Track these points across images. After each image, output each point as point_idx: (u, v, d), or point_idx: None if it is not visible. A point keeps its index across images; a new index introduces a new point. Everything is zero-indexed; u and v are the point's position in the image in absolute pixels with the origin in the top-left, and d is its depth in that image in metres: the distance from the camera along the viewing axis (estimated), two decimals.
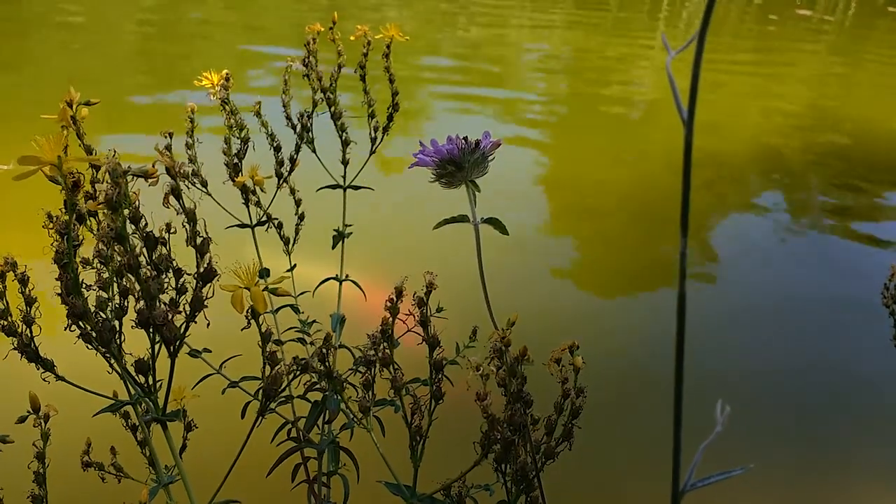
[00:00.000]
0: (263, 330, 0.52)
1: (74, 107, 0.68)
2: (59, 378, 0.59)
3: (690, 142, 0.27)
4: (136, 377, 0.49)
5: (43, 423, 0.65)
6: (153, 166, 0.42)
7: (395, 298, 0.52)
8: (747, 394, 1.75)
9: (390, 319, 0.53)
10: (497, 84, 4.60)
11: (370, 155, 0.91)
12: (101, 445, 0.80)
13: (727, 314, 2.12)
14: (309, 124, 0.87)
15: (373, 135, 0.90)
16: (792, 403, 1.73)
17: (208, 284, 0.45)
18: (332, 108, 0.88)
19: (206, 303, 0.47)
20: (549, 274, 2.26)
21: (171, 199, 0.43)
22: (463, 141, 0.53)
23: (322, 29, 0.86)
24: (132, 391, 0.57)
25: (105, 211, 0.43)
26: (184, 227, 0.43)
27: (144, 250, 0.44)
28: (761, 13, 9.08)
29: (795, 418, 1.70)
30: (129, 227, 0.44)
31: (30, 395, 0.62)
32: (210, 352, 0.72)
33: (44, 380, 0.58)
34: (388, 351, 0.54)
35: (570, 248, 2.56)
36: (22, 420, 0.64)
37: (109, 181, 0.40)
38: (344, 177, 0.91)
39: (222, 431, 0.89)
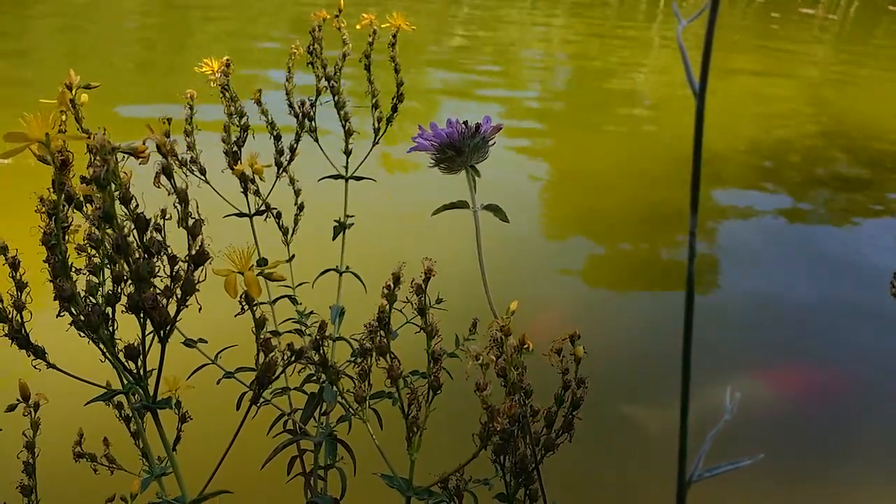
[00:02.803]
0: (258, 316, 0.50)
1: (74, 90, 0.66)
2: (49, 366, 0.58)
3: (702, 113, 0.26)
4: (126, 364, 0.47)
5: (33, 412, 0.64)
6: (143, 143, 0.41)
7: (392, 285, 0.50)
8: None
9: (387, 307, 0.51)
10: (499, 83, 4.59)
11: (373, 145, 0.89)
12: (94, 437, 0.78)
13: (727, 312, 2.10)
14: (312, 113, 0.86)
15: (376, 125, 0.89)
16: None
17: (200, 268, 0.43)
18: (336, 97, 0.87)
19: (199, 288, 0.46)
20: (551, 268, 2.25)
21: (163, 179, 0.42)
22: (463, 125, 0.51)
23: (328, 16, 0.85)
24: (125, 381, 0.56)
25: (96, 192, 0.42)
26: (175, 207, 0.42)
27: (135, 232, 0.43)
28: (763, 11, 9.03)
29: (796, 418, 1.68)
30: (121, 209, 0.43)
31: (19, 383, 0.61)
32: (206, 342, 0.71)
33: (34, 367, 0.57)
34: (384, 340, 0.52)
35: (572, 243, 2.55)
36: (11, 408, 0.63)
37: (98, 158, 0.39)
38: (346, 167, 0.90)
39: (219, 424, 0.87)
